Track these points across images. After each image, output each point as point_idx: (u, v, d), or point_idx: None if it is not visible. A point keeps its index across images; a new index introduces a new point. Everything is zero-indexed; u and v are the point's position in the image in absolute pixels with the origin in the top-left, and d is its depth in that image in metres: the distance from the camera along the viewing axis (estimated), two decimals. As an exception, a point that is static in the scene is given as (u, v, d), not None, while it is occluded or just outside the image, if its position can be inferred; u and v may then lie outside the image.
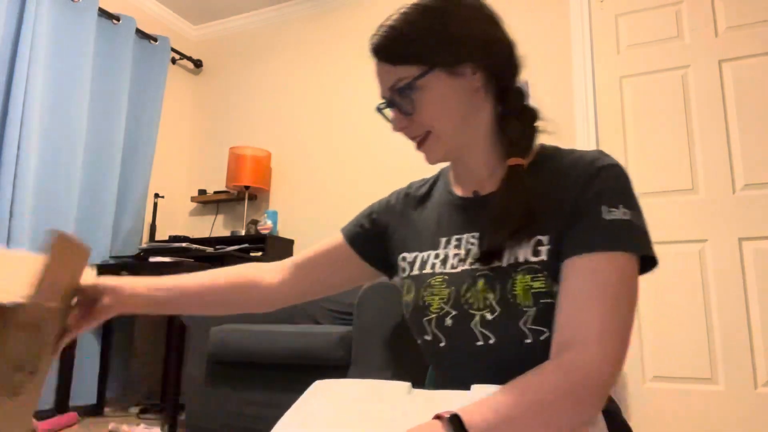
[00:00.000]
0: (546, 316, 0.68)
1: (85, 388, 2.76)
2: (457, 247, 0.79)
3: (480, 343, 0.72)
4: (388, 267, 0.93)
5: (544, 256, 0.70)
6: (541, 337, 0.69)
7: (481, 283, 0.73)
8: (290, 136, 3.34)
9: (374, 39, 0.76)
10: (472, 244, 0.77)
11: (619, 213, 0.67)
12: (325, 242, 0.99)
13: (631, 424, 2.50)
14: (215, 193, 3.41)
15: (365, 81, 3.16)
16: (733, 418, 2.12)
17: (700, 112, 2.38)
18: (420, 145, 0.78)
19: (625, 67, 2.55)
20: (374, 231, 0.93)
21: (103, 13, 3.05)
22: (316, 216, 3.16)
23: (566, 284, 0.67)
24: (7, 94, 2.61)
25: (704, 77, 2.39)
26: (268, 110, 3.46)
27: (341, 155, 3.14)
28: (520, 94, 0.81)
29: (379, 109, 0.82)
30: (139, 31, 3.25)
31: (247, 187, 3.17)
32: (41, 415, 2.49)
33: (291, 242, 3.14)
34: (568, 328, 0.64)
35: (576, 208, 0.70)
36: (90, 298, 0.84)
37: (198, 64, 3.72)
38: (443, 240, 0.81)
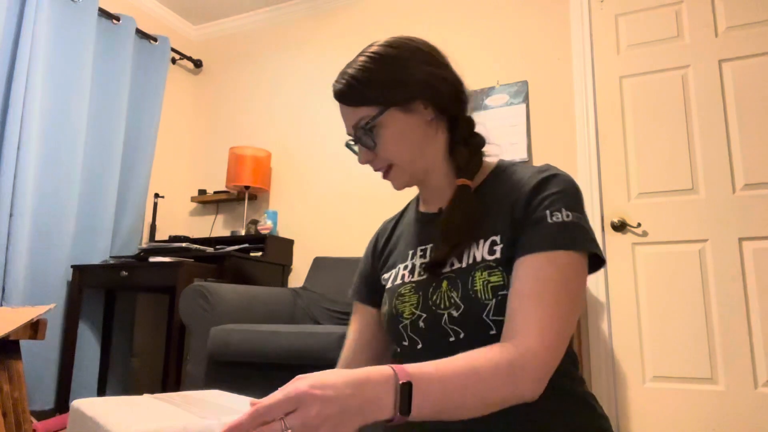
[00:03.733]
0: (505, 306, 0.74)
1: (85, 388, 2.76)
2: (422, 256, 0.88)
3: (452, 339, 0.79)
4: None
5: (498, 255, 0.77)
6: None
7: (444, 284, 0.81)
8: (290, 136, 3.34)
9: (336, 86, 0.86)
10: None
11: (562, 216, 0.75)
12: (353, 322, 1.01)
13: (631, 424, 2.50)
14: (215, 193, 3.41)
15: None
16: (733, 418, 2.12)
17: (700, 112, 2.38)
18: (385, 175, 0.88)
19: (625, 67, 2.55)
20: (374, 275, 0.99)
21: (103, 13, 3.05)
22: (316, 216, 3.16)
23: (513, 284, 0.73)
24: (7, 93, 2.61)
25: (704, 77, 2.39)
26: (268, 110, 3.45)
27: (341, 155, 3.14)
28: (469, 123, 0.91)
29: (348, 146, 0.91)
30: (139, 31, 3.25)
31: (247, 187, 3.17)
32: (41, 415, 2.49)
33: (291, 242, 3.14)
34: (511, 321, 0.71)
35: (526, 214, 0.77)
36: None
37: (198, 64, 3.72)
38: (411, 252, 0.91)
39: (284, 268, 3.09)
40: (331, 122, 3.22)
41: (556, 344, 0.68)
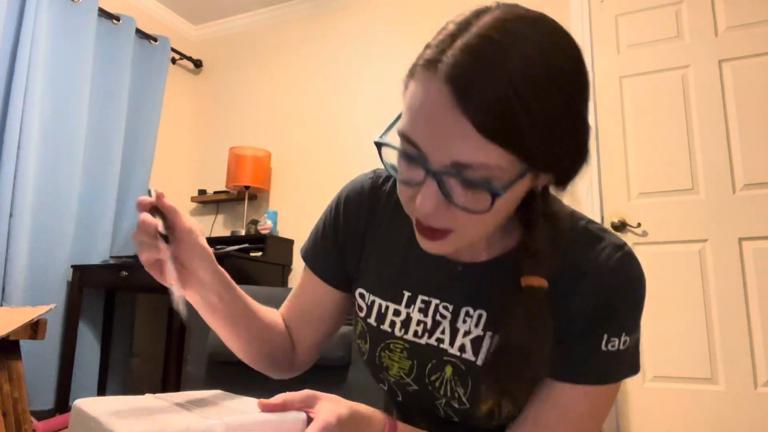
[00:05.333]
0: (518, 413, 0.65)
1: (85, 388, 2.75)
2: (423, 312, 0.68)
3: (442, 415, 0.69)
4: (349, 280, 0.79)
5: None
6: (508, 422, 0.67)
7: (449, 371, 0.65)
8: (290, 136, 3.34)
9: (474, 76, 0.49)
10: (443, 316, 0.66)
11: (619, 343, 0.61)
12: (304, 285, 0.82)
13: (631, 424, 2.50)
14: (215, 193, 3.41)
15: (365, 80, 3.16)
16: (733, 418, 2.12)
17: (700, 112, 2.37)
18: (430, 235, 0.57)
19: (625, 67, 2.55)
20: (341, 258, 0.79)
21: (103, 13, 3.05)
22: (316, 216, 3.14)
23: (536, 402, 0.63)
24: (7, 94, 2.61)
25: (704, 77, 2.39)
26: (268, 110, 3.45)
27: (341, 155, 3.14)
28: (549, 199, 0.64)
29: (380, 146, 0.56)
30: (139, 31, 3.25)
31: (247, 187, 3.17)
32: (41, 415, 2.49)
33: (291, 242, 3.14)
34: None
35: (579, 332, 0.61)
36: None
37: (198, 64, 3.72)
38: (407, 295, 0.69)
39: (284, 268, 3.08)
40: (331, 122, 3.22)
41: None
